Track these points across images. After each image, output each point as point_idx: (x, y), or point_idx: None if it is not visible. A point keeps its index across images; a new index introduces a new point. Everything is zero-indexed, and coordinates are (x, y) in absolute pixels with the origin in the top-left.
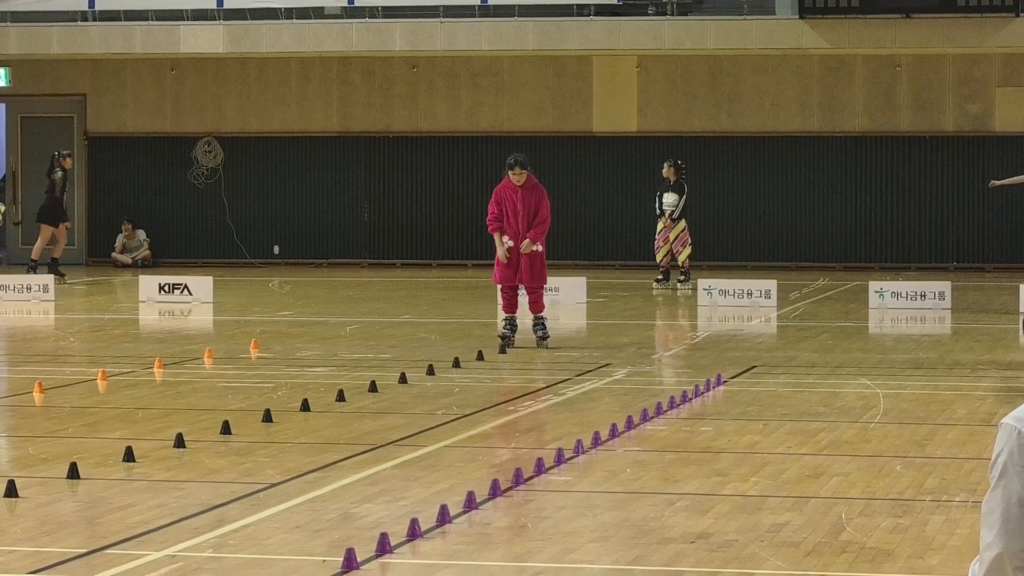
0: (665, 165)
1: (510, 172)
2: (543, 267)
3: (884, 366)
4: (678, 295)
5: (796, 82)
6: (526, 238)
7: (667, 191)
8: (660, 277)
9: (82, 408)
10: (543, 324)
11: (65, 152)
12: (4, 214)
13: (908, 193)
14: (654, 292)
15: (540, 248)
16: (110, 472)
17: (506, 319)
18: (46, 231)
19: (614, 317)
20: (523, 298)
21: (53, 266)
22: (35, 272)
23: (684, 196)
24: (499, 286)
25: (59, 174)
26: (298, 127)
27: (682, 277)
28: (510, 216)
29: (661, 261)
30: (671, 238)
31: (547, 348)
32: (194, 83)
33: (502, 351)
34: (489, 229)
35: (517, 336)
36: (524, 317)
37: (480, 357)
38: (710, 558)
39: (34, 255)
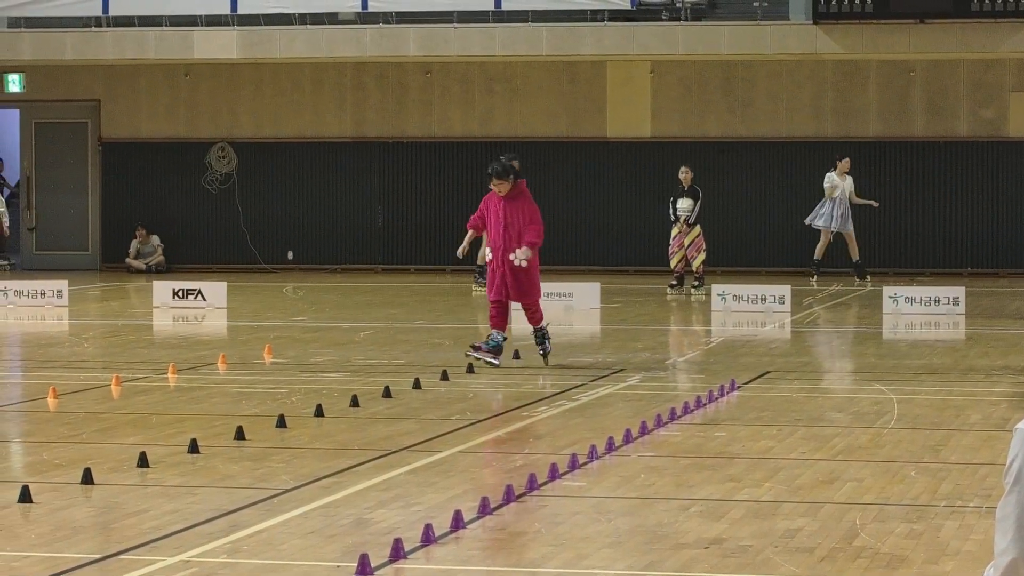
0: (682, 170)
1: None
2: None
3: (898, 371)
4: (692, 300)
5: (810, 87)
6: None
7: (682, 196)
8: (674, 282)
9: (96, 413)
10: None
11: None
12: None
13: (922, 198)
14: (668, 297)
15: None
16: (124, 478)
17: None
18: None
19: (628, 322)
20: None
21: None
22: None
23: (700, 201)
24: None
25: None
26: (312, 132)
27: (696, 282)
28: (492, 226)
29: (675, 266)
30: (686, 243)
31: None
32: (208, 88)
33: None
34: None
35: (516, 347)
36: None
37: None
38: (724, 563)
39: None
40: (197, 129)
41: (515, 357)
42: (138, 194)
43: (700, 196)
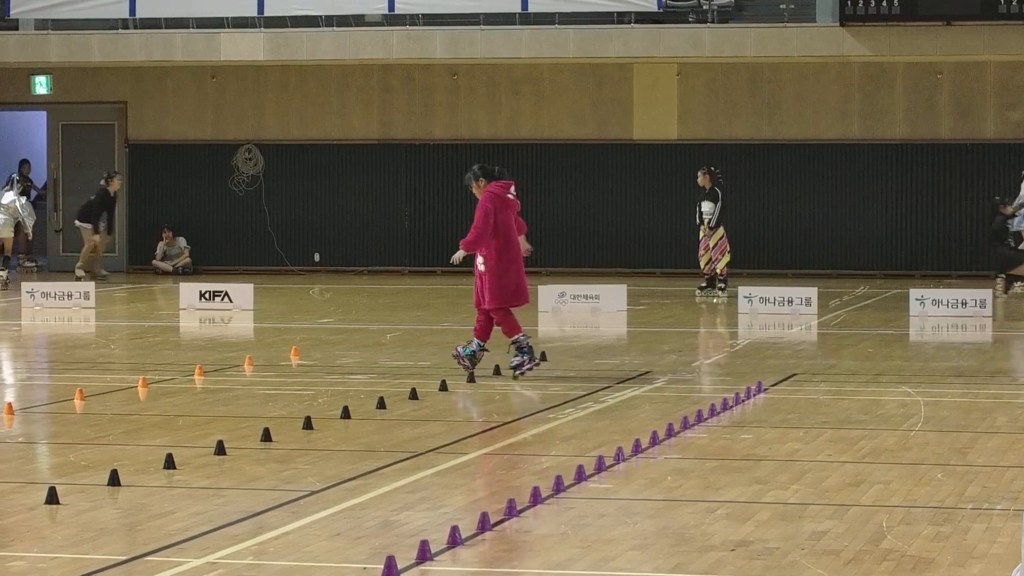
0: (699, 173)
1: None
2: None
3: (925, 374)
4: (715, 303)
5: (836, 89)
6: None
7: (703, 199)
8: (703, 284)
9: (123, 415)
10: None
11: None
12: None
13: (949, 200)
14: (696, 299)
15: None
16: (151, 479)
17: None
18: None
19: (654, 325)
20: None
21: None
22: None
23: (719, 203)
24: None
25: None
26: (338, 134)
27: (721, 285)
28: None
29: (704, 268)
30: (711, 245)
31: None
32: (234, 90)
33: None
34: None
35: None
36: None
37: None
38: (750, 566)
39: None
40: (224, 131)
41: (542, 359)
42: (165, 196)
43: (720, 198)
